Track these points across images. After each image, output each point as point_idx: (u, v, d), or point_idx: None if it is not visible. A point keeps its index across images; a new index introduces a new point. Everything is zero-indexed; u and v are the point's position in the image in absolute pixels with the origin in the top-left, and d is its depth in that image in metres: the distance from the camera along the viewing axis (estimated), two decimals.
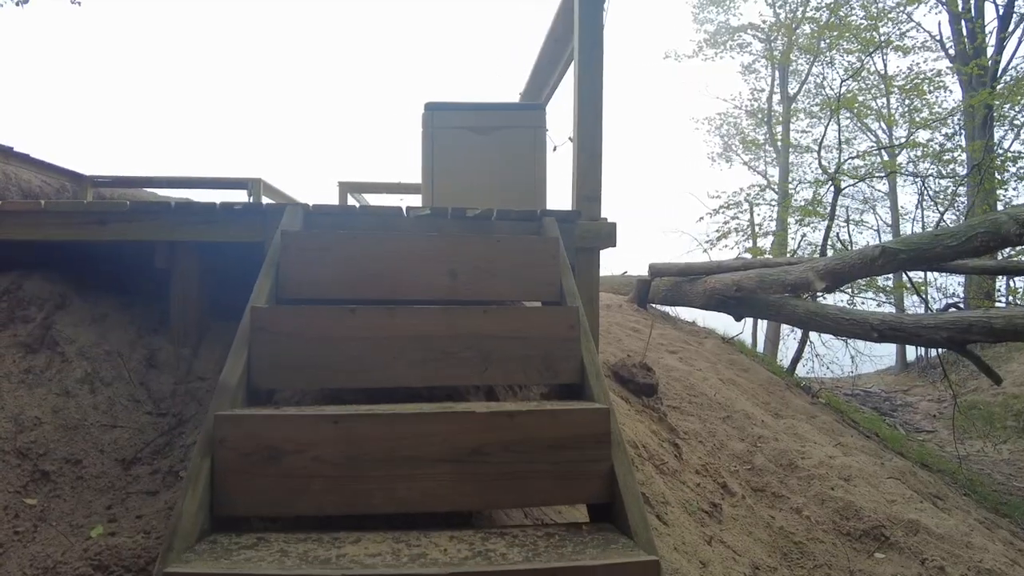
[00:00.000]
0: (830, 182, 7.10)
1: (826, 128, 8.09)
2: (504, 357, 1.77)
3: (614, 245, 2.38)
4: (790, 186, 14.47)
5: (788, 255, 11.38)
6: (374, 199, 6.26)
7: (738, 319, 6.10)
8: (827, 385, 8.38)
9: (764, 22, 16.81)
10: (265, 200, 5.82)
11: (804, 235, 10.34)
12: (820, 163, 7.50)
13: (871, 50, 8.36)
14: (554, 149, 3.14)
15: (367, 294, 1.87)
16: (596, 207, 2.47)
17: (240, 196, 7.00)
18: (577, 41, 2.46)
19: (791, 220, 9.62)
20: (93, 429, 1.95)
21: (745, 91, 18.09)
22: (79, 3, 7.27)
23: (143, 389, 2.14)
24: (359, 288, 1.87)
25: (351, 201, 5.76)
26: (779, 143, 15.91)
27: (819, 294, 5.78)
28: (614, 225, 2.44)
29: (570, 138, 2.76)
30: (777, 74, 17.26)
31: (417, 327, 1.74)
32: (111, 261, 2.67)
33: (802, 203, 13.14)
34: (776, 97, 17.25)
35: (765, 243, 11.95)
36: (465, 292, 1.96)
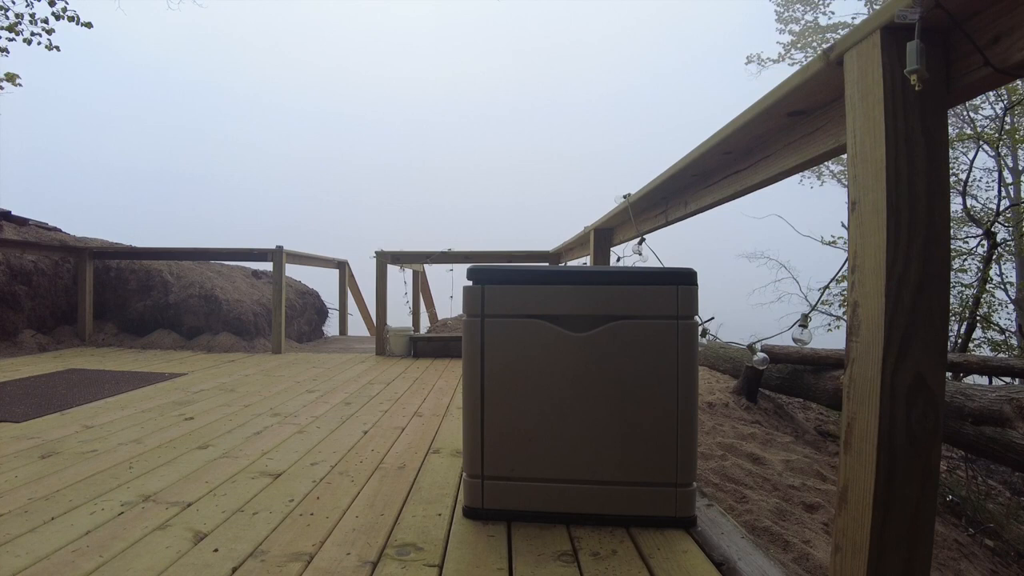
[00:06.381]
0: (983, 237, 5.52)
1: (972, 162, 6.36)
2: None
3: None
4: None
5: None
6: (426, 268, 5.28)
7: None
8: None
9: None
10: (288, 268, 4.94)
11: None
12: (967, 211, 5.84)
13: None
14: (703, 335, 1.67)
15: None
16: None
17: (263, 267, 6.22)
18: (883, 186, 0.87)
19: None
20: None
21: None
22: (58, 49, 6.78)
23: None
24: None
25: (391, 270, 4.78)
26: None
27: None
28: None
29: (751, 347, 1.55)
30: None
31: None
32: None
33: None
34: None
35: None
36: None
